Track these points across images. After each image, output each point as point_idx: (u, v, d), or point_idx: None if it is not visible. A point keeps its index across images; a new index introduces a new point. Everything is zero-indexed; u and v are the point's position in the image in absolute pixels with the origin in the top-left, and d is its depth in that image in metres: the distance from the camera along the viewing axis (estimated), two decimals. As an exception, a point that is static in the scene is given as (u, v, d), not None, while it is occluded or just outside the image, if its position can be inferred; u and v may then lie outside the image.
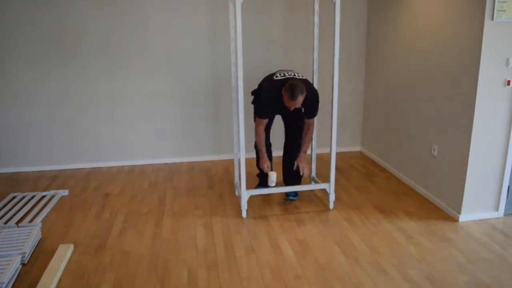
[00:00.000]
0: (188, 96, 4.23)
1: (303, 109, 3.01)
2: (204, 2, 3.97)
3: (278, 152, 3.81)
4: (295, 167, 3.06)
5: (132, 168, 4.23)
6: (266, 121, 2.94)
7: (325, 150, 4.36)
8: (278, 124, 3.52)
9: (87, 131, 4.15)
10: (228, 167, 4.21)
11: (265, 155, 3.01)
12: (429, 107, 3.30)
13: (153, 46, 4.01)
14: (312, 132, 3.05)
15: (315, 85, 3.32)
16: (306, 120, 3.02)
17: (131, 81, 4.08)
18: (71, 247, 2.69)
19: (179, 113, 4.26)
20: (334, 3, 2.64)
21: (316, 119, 3.39)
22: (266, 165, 2.98)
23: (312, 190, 3.56)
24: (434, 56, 3.19)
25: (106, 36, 3.91)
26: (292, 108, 2.81)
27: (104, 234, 2.87)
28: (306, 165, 3.01)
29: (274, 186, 3.02)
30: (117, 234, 2.87)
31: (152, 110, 4.21)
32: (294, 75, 2.93)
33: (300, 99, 2.74)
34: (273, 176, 2.95)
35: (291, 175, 3.33)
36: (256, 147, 3.23)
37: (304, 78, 2.94)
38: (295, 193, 3.36)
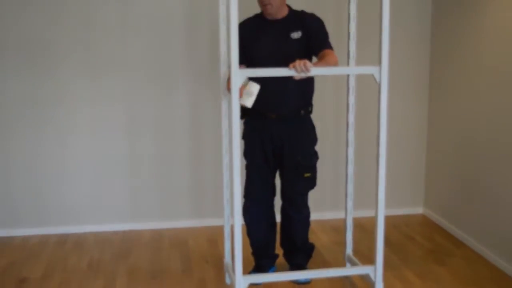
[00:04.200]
0: (154, 128, 4.31)
1: (300, 33, 3.17)
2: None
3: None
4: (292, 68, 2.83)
5: (62, 239, 4.22)
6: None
7: (368, 213, 4.32)
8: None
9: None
10: (214, 238, 4.21)
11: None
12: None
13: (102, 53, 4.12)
14: (332, 59, 3.07)
15: (351, 109, 3.37)
16: (319, 53, 3.16)
17: (64, 95, 4.20)
18: None
19: (139, 153, 4.34)
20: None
21: (352, 159, 3.46)
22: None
23: (347, 276, 3.54)
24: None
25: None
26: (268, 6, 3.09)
27: None
28: (301, 62, 2.82)
29: (249, 108, 3.02)
30: None
31: (96, 148, 4.29)
32: None
33: None
34: (252, 87, 2.94)
35: (294, 247, 3.54)
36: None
37: None
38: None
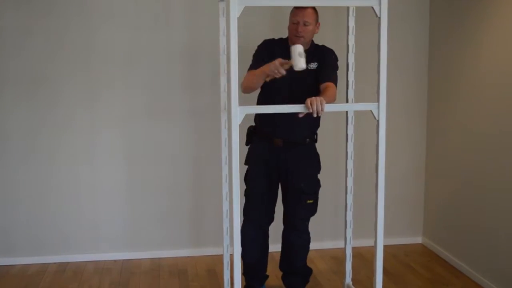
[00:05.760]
0: (153, 156, 4.34)
1: (316, 64, 3.32)
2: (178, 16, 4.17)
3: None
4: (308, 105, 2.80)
5: (61, 268, 4.21)
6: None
7: (367, 243, 4.30)
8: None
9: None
10: (213, 267, 4.20)
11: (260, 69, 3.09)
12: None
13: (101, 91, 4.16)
14: (332, 93, 3.13)
15: (350, 140, 3.42)
16: (321, 84, 3.26)
17: (63, 125, 4.22)
18: None
19: (138, 181, 4.35)
20: (379, 18, 2.72)
21: (351, 189, 3.50)
22: (276, 62, 2.91)
23: (347, 306, 3.53)
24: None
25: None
26: (300, 32, 3.19)
27: None
28: (319, 101, 2.82)
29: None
30: None
31: (95, 177, 4.30)
32: None
33: (310, 11, 3.21)
34: (298, 48, 2.84)
35: (292, 270, 3.63)
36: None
37: None
38: None
